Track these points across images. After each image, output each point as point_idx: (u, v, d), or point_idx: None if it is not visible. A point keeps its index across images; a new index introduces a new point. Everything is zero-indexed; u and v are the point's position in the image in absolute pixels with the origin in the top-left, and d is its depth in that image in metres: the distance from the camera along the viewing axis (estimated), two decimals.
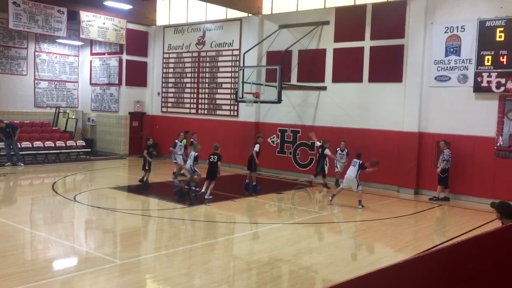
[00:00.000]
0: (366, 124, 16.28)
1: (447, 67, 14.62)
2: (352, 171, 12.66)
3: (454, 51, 14.49)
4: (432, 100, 14.98)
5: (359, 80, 16.43)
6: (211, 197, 12.97)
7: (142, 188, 15.11)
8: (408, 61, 15.33)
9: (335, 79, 17.02)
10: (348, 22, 16.72)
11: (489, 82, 13.75)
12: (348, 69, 16.70)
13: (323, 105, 17.36)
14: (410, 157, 15.16)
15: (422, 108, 15.13)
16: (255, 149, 14.82)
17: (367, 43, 16.28)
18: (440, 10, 14.78)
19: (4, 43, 21.23)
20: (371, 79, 16.21)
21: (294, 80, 17.83)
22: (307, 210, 12.81)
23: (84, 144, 21.77)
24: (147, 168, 15.24)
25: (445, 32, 14.60)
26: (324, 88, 17.27)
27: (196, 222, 11.13)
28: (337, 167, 15.67)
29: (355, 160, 12.85)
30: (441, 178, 14.12)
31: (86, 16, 19.92)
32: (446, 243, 9.45)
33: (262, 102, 17.09)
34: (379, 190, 15.40)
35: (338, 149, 15.37)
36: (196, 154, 14.14)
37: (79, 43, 23.00)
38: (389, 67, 15.82)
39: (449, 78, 14.58)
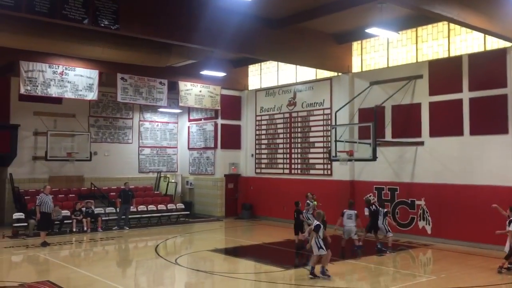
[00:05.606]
0: (470, 179, 15.24)
1: None
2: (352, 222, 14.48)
3: None
4: None
5: (460, 133, 15.61)
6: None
7: (239, 251, 15.17)
8: None
9: (433, 134, 16.33)
10: (443, 75, 16.17)
11: None
12: (446, 122, 15.98)
13: (421, 161, 16.62)
14: None
15: None
16: (365, 213, 15.10)
17: (465, 95, 15.57)
18: None
19: (113, 115, 23.25)
20: (473, 132, 15.33)
21: (388, 136, 17.37)
22: (411, 273, 12.00)
23: (183, 206, 22.58)
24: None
25: None
26: (421, 143, 16.60)
27: (294, 286, 10.84)
28: None
29: (350, 212, 14.52)
30: None
31: (184, 85, 21.29)
32: None
33: (356, 160, 16.76)
34: (493, 252, 13.98)
35: None
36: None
37: (178, 110, 24.49)
38: (492, 118, 14.90)
39: None
